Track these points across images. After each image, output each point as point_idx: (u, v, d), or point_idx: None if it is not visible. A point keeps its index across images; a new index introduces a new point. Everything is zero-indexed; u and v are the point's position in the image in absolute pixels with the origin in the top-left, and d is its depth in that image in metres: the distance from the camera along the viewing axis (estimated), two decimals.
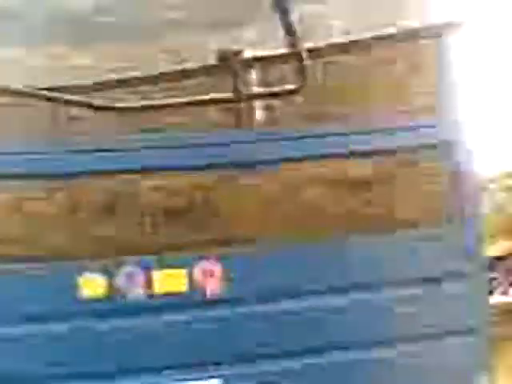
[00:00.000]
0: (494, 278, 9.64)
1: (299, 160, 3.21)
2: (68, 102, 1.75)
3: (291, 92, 1.81)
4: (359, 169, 3.33)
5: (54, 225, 2.95)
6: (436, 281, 3.36)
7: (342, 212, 3.28)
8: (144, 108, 2.09)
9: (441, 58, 3.49)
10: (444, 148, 3.41)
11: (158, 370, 3.11)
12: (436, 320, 3.36)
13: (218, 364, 3.16)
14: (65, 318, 3.02)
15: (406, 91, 3.45)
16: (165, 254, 3.11)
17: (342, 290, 3.28)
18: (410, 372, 3.33)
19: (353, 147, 3.30)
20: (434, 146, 3.41)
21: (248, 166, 3.16)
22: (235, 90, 1.64)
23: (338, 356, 3.27)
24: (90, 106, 1.79)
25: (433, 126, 3.41)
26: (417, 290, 3.35)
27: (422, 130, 3.41)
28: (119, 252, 3.04)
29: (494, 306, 7.57)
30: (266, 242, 3.22)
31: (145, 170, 3.07)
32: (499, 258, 9.81)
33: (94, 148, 2.99)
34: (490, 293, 8.61)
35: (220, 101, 2.13)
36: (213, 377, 3.15)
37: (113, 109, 2.12)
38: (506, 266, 9.98)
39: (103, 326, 3.06)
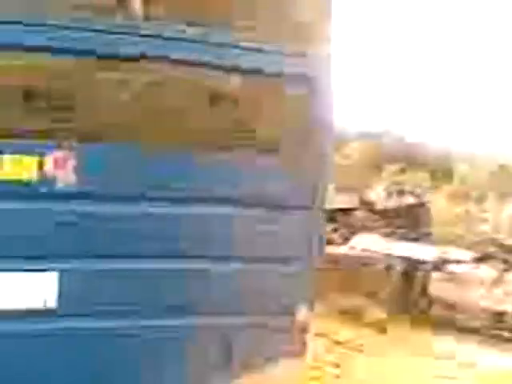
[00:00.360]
0: (335, 229, 9.89)
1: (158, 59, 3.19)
2: None
3: None
4: (220, 83, 3.34)
5: None
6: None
7: (195, 125, 3.29)
8: None
9: None
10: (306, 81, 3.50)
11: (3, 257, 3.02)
12: (262, 245, 3.49)
13: (57, 257, 3.11)
14: None
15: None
16: (17, 140, 2.99)
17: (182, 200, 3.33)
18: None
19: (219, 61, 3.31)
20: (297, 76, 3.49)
21: (109, 57, 3.09)
22: None
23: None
24: None
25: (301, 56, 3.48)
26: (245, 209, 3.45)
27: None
28: None
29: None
30: (119, 139, 3.17)
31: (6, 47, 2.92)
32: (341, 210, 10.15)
33: None
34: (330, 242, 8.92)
35: None
36: (50, 269, 3.10)
37: None
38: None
39: None
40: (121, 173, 3.17)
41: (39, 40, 2.96)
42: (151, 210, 3.26)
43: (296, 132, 3.49)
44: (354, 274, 8.19)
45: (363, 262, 8.36)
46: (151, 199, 3.26)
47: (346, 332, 7.19)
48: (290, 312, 3.58)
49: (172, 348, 3.38)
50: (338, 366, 6.22)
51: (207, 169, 3.34)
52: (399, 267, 8.33)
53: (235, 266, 3.45)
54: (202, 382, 3.44)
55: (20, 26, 2.92)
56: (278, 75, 3.43)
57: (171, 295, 3.35)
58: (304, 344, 3.62)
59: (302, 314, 3.58)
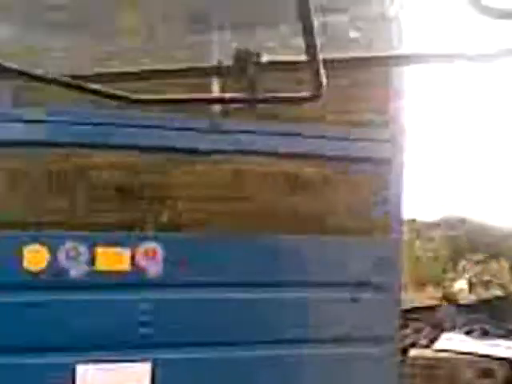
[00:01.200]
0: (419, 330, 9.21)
1: (243, 153, 3.35)
2: (97, 93, 1.73)
3: (305, 99, 1.89)
4: (303, 170, 3.48)
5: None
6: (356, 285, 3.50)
7: (280, 209, 3.41)
8: (169, 101, 2.12)
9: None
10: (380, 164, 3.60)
11: (91, 349, 3.12)
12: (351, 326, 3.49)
13: (150, 347, 3.19)
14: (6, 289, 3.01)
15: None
16: (109, 232, 3.16)
17: (275, 285, 3.39)
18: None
19: (302, 149, 3.46)
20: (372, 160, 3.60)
21: (201, 153, 3.27)
22: (249, 91, 1.69)
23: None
24: (126, 98, 1.76)
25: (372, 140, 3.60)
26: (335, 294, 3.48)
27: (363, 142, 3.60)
28: (64, 227, 3.07)
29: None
30: (209, 230, 3.30)
31: (96, 146, 3.14)
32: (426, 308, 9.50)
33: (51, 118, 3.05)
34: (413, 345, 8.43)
35: (234, 101, 2.20)
36: (144, 360, 3.18)
37: (150, 102, 2.10)
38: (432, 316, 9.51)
39: (42, 298, 3.06)
40: (208, 261, 3.29)
41: (127, 140, 3.19)
42: (242, 295, 3.34)
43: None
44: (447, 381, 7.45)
45: (456, 366, 7.53)
46: (243, 284, 3.34)
47: None
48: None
49: None
50: None
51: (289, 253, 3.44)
52: (501, 371, 7.47)
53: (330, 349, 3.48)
54: None
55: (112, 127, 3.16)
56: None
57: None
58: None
59: None
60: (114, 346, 3.14)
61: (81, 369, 3.07)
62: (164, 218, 3.22)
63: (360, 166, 3.57)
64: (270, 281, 3.38)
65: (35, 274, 3.02)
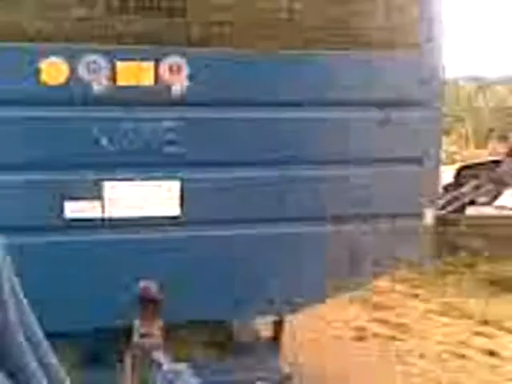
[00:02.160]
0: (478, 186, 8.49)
1: None
2: None
3: None
4: None
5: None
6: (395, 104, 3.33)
7: (318, 23, 3.18)
8: None
9: None
10: None
11: (118, 167, 3.07)
12: (389, 146, 3.35)
13: (176, 166, 3.12)
14: (25, 104, 2.94)
15: None
16: (131, 45, 3.01)
17: (308, 103, 3.24)
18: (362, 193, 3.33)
19: None
20: None
21: None
22: None
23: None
24: None
25: None
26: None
27: None
28: (84, 38, 2.93)
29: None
30: (236, 46, 3.13)
31: None
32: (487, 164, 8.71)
33: None
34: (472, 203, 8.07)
35: None
36: (171, 178, 3.12)
37: None
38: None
39: (63, 114, 2.99)
40: (234, 78, 3.15)
41: None
42: (274, 115, 3.20)
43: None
44: (506, 240, 7.15)
45: None
46: (276, 104, 3.21)
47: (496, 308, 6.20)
48: (417, 215, 3.44)
49: (301, 252, 3.33)
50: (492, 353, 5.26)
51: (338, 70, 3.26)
52: None
53: (369, 169, 3.36)
54: (329, 284, 3.38)
55: None
56: None
57: (300, 201, 3.29)
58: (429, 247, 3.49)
59: (429, 216, 3.43)
60: (141, 164, 3.09)
61: (108, 185, 3.04)
62: (188, 32, 3.04)
63: None
64: (302, 100, 3.24)
65: (54, 89, 2.92)
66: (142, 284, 2.97)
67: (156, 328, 2.84)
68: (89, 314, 3.09)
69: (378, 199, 3.37)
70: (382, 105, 3.31)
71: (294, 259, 3.33)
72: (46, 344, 1.00)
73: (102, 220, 3.05)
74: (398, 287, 6.81)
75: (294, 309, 3.47)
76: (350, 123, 3.31)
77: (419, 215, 3.44)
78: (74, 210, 3.01)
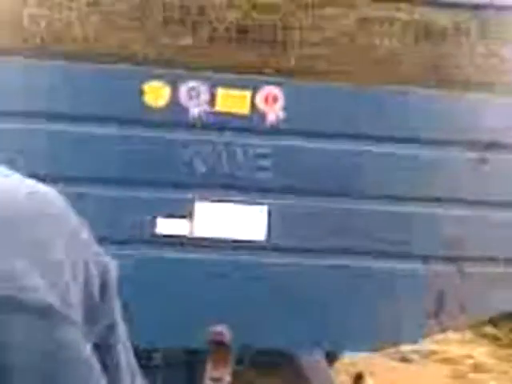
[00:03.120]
0: None
1: None
2: None
3: None
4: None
5: (126, 26, 3.02)
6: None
7: (416, 61, 3.21)
8: None
9: None
10: None
11: (210, 188, 3.19)
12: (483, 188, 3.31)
13: (267, 191, 3.21)
14: (128, 123, 3.12)
15: None
16: (231, 74, 3.14)
17: (402, 140, 3.26)
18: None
19: None
20: None
21: None
22: None
23: None
24: None
25: None
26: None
27: None
28: (186, 65, 3.08)
29: None
30: (330, 79, 3.20)
31: None
32: None
33: None
34: None
35: None
36: (261, 203, 3.21)
37: None
38: None
39: (161, 134, 3.15)
40: (329, 111, 3.21)
41: None
42: (366, 148, 3.23)
43: None
44: None
45: None
46: (368, 137, 3.24)
47: None
48: (508, 260, 3.36)
49: (386, 290, 3.33)
50: None
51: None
52: None
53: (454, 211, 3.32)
54: (410, 326, 3.35)
55: None
56: None
57: (382, 238, 3.30)
58: None
59: None
60: (231, 187, 3.19)
61: (199, 206, 3.16)
62: (287, 63, 3.14)
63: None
64: (396, 135, 3.26)
65: (155, 111, 3.09)
66: (214, 329, 3.04)
67: (227, 373, 2.90)
68: (169, 332, 3.20)
69: (470, 242, 3.32)
70: (477, 146, 3.28)
71: (379, 297, 3.32)
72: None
73: (190, 239, 3.17)
74: None
75: (372, 348, 3.45)
76: (443, 162, 3.29)
77: (510, 261, 3.36)
78: (165, 226, 3.14)
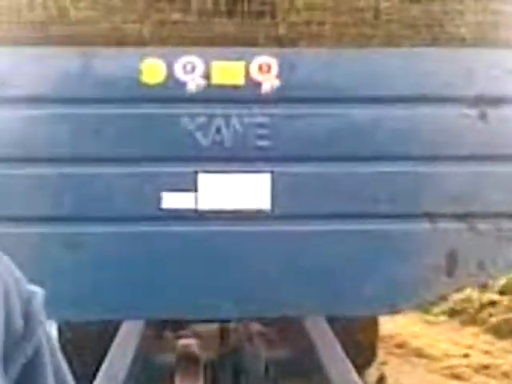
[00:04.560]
0: None
1: None
2: None
3: None
4: None
5: (117, 7, 3.13)
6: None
7: (408, 21, 3.24)
8: None
9: None
10: None
11: (212, 160, 3.24)
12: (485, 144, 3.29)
13: (267, 160, 3.25)
14: (127, 102, 3.21)
15: None
16: (224, 46, 3.22)
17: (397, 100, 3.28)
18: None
19: None
20: None
21: None
22: None
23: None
24: None
25: None
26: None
27: None
28: (180, 41, 3.17)
29: None
30: (324, 41, 3.25)
31: None
32: None
33: None
34: None
35: None
36: (263, 171, 3.24)
37: None
38: None
39: (161, 111, 3.22)
40: (323, 76, 3.25)
41: None
42: (364, 111, 3.26)
43: None
44: None
45: None
46: (365, 100, 3.27)
47: None
48: None
49: (391, 252, 3.31)
50: None
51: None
52: None
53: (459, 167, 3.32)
54: (425, 286, 3.31)
55: None
56: None
57: (389, 197, 3.29)
58: None
59: None
60: (234, 158, 3.24)
61: (203, 177, 3.22)
62: (277, 32, 3.21)
63: None
64: (395, 95, 3.27)
65: (153, 88, 3.18)
66: (182, 341, 3.03)
67: None
68: (176, 304, 3.24)
69: (476, 198, 3.29)
70: (477, 101, 3.27)
71: (387, 259, 3.31)
72: None
73: (196, 211, 3.22)
74: None
75: (389, 310, 3.42)
76: (444, 119, 3.29)
77: None
78: (170, 200, 3.20)
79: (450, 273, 3.28)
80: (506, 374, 6.06)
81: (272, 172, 3.24)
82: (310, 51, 3.23)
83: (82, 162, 3.18)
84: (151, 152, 3.21)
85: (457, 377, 6.19)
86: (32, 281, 0.92)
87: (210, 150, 3.21)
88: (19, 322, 0.84)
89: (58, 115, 3.17)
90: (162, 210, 3.20)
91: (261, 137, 3.22)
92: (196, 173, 3.21)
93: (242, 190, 3.24)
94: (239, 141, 3.22)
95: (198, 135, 3.20)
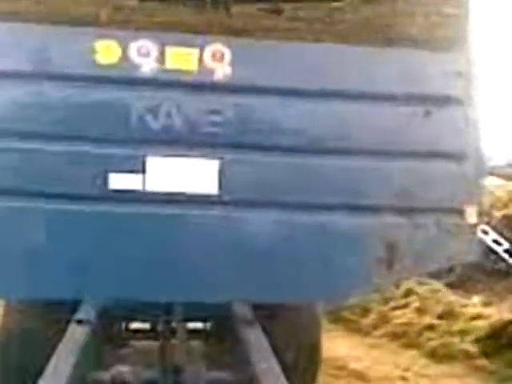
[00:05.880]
0: None
1: None
2: None
3: None
4: None
5: None
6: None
7: (358, 20, 3.36)
8: None
9: None
10: None
11: (162, 144, 3.27)
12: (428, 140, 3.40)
13: (217, 147, 3.29)
14: (80, 80, 3.22)
15: None
16: (179, 33, 3.28)
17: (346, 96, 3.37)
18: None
19: None
20: None
21: None
22: None
23: None
24: None
25: None
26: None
27: None
28: (137, 24, 3.22)
29: None
30: (277, 37, 3.34)
31: None
32: None
33: None
34: None
35: None
36: (212, 157, 3.29)
37: None
38: None
39: (113, 92, 3.25)
40: (275, 67, 3.33)
41: None
42: (307, 103, 3.33)
43: None
44: None
45: None
46: (308, 92, 3.34)
47: None
48: (458, 212, 3.42)
49: (334, 242, 3.37)
50: None
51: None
52: None
53: (402, 163, 3.41)
54: (365, 277, 3.38)
55: None
56: None
57: (333, 190, 3.36)
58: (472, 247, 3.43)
59: (471, 215, 3.39)
60: (183, 142, 3.28)
61: (151, 160, 3.24)
62: (232, 21, 3.29)
63: None
64: (345, 91, 3.36)
65: (107, 68, 3.21)
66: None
67: None
68: (121, 285, 3.24)
69: (417, 193, 3.39)
70: (422, 99, 3.39)
71: (329, 249, 3.37)
72: None
73: (143, 193, 3.24)
74: None
75: (328, 299, 3.47)
76: (391, 116, 3.39)
77: (461, 212, 3.42)
78: (117, 181, 3.21)
79: (389, 265, 3.36)
80: None
81: (221, 158, 3.28)
82: (263, 42, 3.31)
83: (31, 137, 3.17)
84: (100, 132, 3.22)
85: None
86: None
87: (159, 133, 3.24)
88: None
89: (11, 89, 3.17)
90: (109, 190, 3.21)
91: (211, 123, 3.27)
92: (145, 155, 3.24)
93: (190, 175, 3.28)
94: (189, 126, 3.26)
95: (149, 118, 3.23)
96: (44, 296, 3.28)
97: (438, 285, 8.51)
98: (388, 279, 3.42)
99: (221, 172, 3.28)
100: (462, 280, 9.02)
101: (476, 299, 8.36)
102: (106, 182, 3.20)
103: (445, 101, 3.41)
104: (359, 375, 6.64)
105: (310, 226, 3.35)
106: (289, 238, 3.34)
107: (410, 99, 3.39)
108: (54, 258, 3.18)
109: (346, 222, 3.36)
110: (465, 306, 7.96)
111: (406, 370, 6.75)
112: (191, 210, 3.29)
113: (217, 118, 3.27)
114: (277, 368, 3.14)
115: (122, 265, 3.23)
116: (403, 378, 6.57)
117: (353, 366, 6.83)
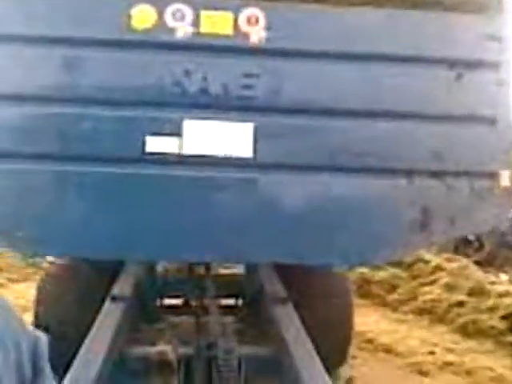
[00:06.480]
0: None
1: None
2: None
3: None
4: None
5: None
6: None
7: None
8: None
9: None
10: None
11: (198, 107, 3.31)
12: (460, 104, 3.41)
13: (252, 110, 3.32)
14: (116, 45, 3.27)
15: None
16: None
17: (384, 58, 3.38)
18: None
19: None
20: None
21: None
22: None
23: None
24: None
25: None
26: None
27: None
28: None
29: None
30: (311, 1, 3.35)
31: None
32: None
33: None
34: None
35: None
36: (247, 120, 3.32)
37: None
38: None
39: (150, 57, 3.29)
40: (310, 31, 3.35)
41: None
42: (344, 66, 3.35)
43: None
44: None
45: None
46: (345, 56, 3.36)
47: None
48: (491, 175, 3.43)
49: (368, 205, 3.39)
50: None
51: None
52: None
53: (434, 126, 3.42)
54: (399, 239, 3.40)
55: None
56: None
57: (367, 153, 3.39)
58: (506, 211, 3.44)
59: (504, 178, 3.40)
60: (219, 106, 3.31)
61: (188, 123, 3.29)
62: None
63: None
64: (379, 54, 3.37)
65: (142, 33, 3.25)
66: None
67: None
68: (159, 245, 3.29)
69: (450, 156, 3.40)
70: (454, 63, 3.39)
71: (363, 211, 3.40)
72: None
73: (179, 156, 3.29)
74: None
75: (361, 262, 3.49)
76: (423, 79, 3.40)
77: (493, 176, 3.43)
78: (154, 144, 3.26)
79: (423, 227, 3.37)
80: (468, 372, 6.14)
81: (256, 121, 3.31)
82: (297, 6, 3.33)
83: (69, 102, 3.23)
84: (137, 96, 3.27)
85: (422, 373, 6.25)
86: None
87: (195, 96, 3.28)
88: (28, 365, 0.99)
89: (47, 55, 3.22)
90: (146, 153, 3.25)
91: (246, 87, 3.30)
92: (181, 118, 3.28)
93: (225, 138, 3.31)
94: (225, 89, 3.29)
95: (185, 82, 3.27)
96: (89, 256, 3.35)
97: (466, 262, 8.50)
98: (422, 242, 3.44)
99: (255, 135, 3.31)
100: (489, 258, 9.00)
101: (504, 277, 8.35)
102: (143, 145, 3.25)
103: (477, 64, 3.41)
104: (387, 349, 6.67)
105: (344, 189, 3.37)
106: (323, 201, 3.37)
107: (442, 62, 3.39)
108: (95, 219, 3.24)
109: (379, 184, 3.38)
110: (493, 283, 7.95)
111: (435, 345, 6.77)
112: (226, 173, 3.32)
113: (252, 82, 3.30)
114: (308, 344, 3.19)
115: (159, 226, 3.28)
116: (431, 353, 6.59)
117: (381, 340, 6.87)
